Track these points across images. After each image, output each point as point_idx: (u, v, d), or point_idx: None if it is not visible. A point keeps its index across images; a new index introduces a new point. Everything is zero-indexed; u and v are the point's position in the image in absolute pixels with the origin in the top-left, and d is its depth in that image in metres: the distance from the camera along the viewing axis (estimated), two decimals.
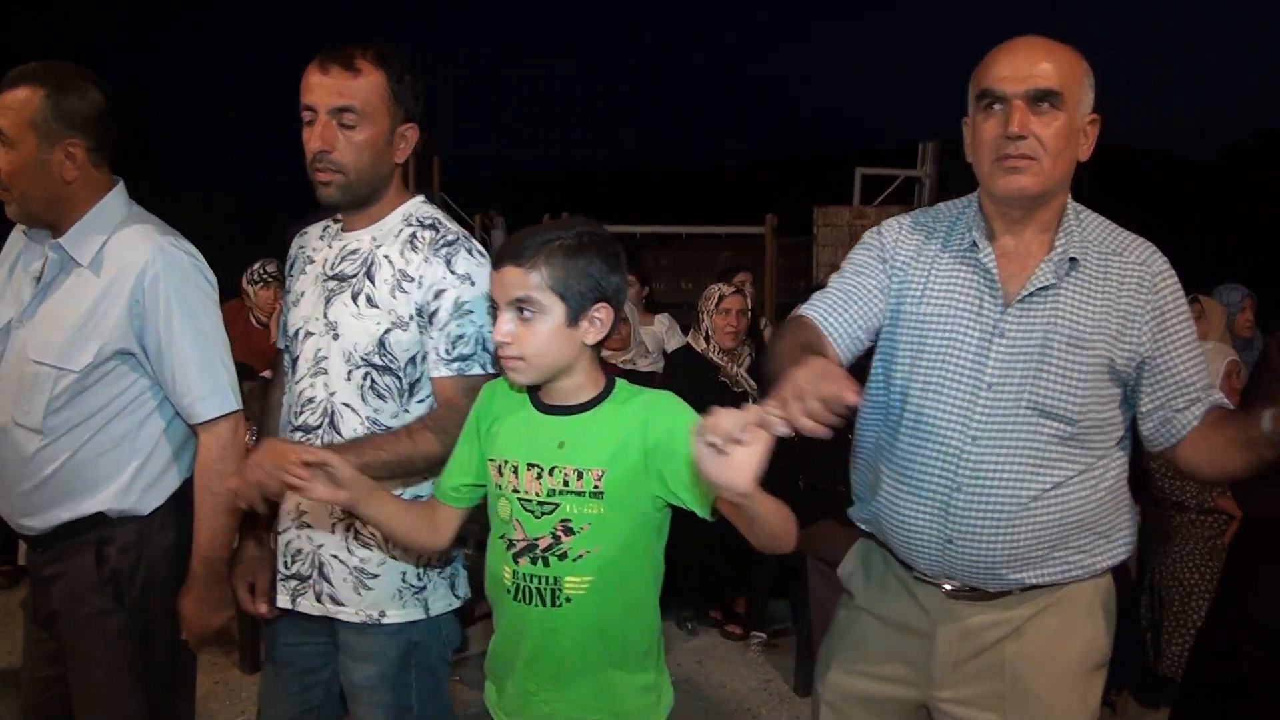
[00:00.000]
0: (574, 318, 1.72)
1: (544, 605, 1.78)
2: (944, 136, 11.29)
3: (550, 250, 1.71)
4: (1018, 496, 1.80)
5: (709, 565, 4.43)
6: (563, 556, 1.76)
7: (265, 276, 5.22)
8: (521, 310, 1.72)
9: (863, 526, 2.02)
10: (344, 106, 1.96)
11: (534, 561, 1.77)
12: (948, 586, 1.90)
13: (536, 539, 1.77)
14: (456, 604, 2.16)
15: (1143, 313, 1.81)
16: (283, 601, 2.12)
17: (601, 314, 1.74)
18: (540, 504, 1.75)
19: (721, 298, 4.82)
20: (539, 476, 1.75)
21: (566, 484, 1.72)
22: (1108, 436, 1.86)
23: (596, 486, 1.73)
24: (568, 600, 1.76)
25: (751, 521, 1.55)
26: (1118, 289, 1.82)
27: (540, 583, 1.77)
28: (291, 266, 2.23)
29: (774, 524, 1.56)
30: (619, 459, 1.73)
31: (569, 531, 1.75)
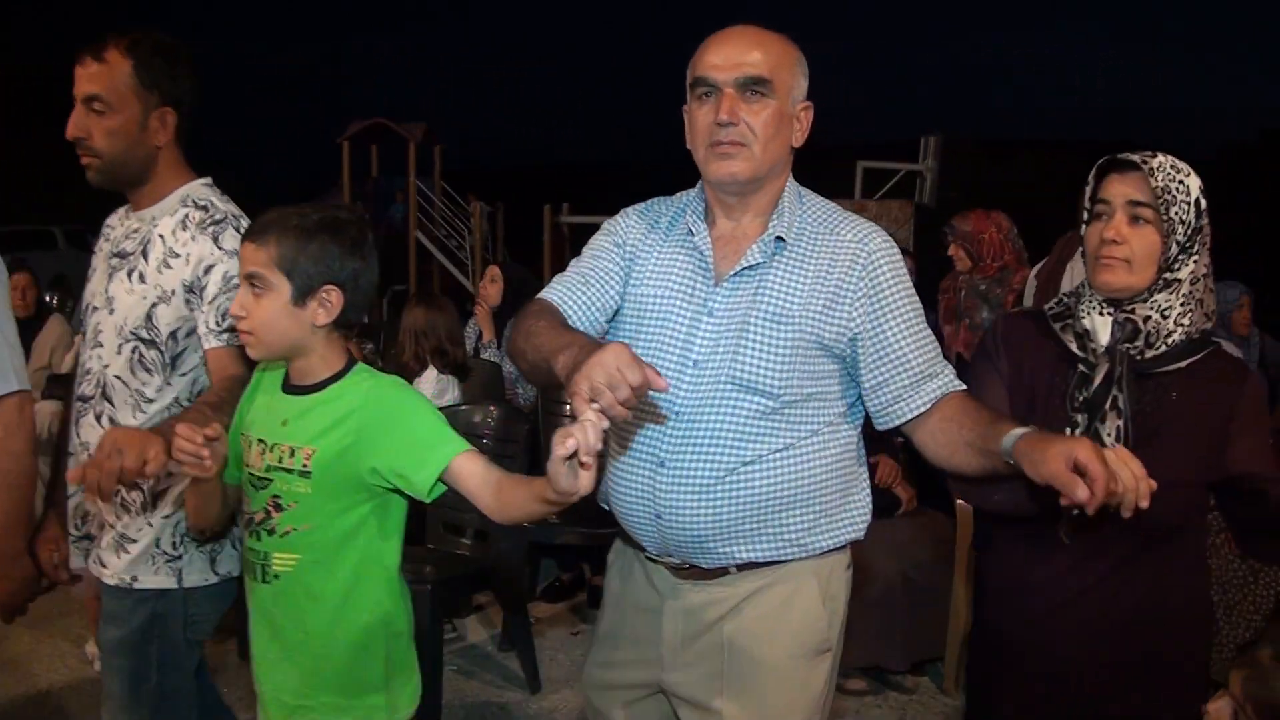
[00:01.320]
0: (300, 297, 1.77)
1: (258, 580, 1.85)
2: (945, 130, 11.28)
3: (284, 230, 1.77)
4: (716, 469, 1.81)
5: None
6: (271, 532, 1.82)
7: None
8: (253, 285, 1.77)
9: (603, 506, 2.04)
10: (92, 95, 2.07)
11: (252, 535, 1.85)
12: (671, 564, 1.92)
13: (254, 513, 1.84)
14: (214, 580, 2.19)
15: (855, 290, 1.81)
16: (76, 563, 2.20)
17: (331, 296, 1.78)
18: (258, 478, 1.81)
19: None
20: (262, 452, 1.81)
21: (280, 460, 1.77)
22: (819, 412, 1.86)
23: (305, 465, 1.78)
24: (276, 576, 1.83)
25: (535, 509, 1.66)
26: (828, 267, 1.82)
27: (256, 556, 1.85)
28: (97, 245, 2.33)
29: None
30: (330, 439, 1.78)
31: (278, 507, 1.80)
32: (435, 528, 3.90)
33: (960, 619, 3.61)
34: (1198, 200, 1.74)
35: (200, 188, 2.22)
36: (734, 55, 1.80)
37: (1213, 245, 1.81)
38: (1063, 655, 1.80)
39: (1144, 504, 1.44)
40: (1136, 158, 1.73)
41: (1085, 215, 1.81)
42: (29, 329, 5.49)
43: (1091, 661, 1.79)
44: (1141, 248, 1.73)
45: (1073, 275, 3.64)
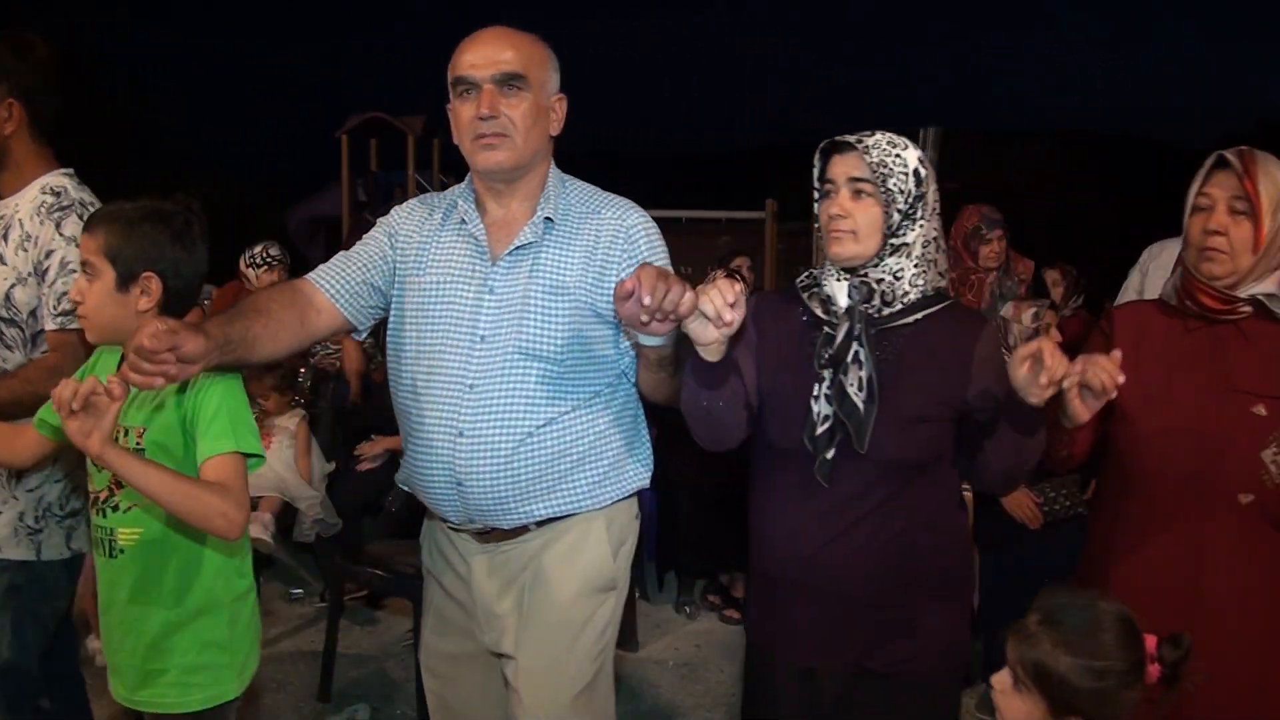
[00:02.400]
0: (123, 284, 1.90)
1: (105, 555, 1.95)
2: (945, 123, 11.27)
3: (112, 219, 1.90)
4: (513, 435, 1.98)
5: (705, 539, 4.47)
6: (115, 508, 1.92)
7: (268, 259, 5.23)
8: (86, 271, 1.90)
9: (404, 488, 2.18)
10: None
11: (99, 513, 1.94)
12: (473, 530, 2.08)
13: (98, 491, 1.94)
14: (68, 555, 2.34)
15: (619, 261, 2.03)
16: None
17: (152, 284, 1.90)
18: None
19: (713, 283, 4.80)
20: None
21: (116, 439, 1.83)
22: (600, 374, 2.07)
23: (138, 443, 1.90)
24: (122, 551, 1.93)
25: None
26: (594, 242, 2.03)
27: (102, 533, 1.95)
28: None
29: None
30: (157, 418, 1.89)
31: (119, 485, 1.89)
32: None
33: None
34: (916, 170, 1.88)
35: (59, 177, 2.36)
36: (490, 54, 1.97)
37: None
38: (829, 593, 1.89)
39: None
40: (853, 138, 1.87)
41: (815, 194, 1.94)
42: None
43: (856, 598, 1.89)
44: (865, 220, 1.86)
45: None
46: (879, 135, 1.88)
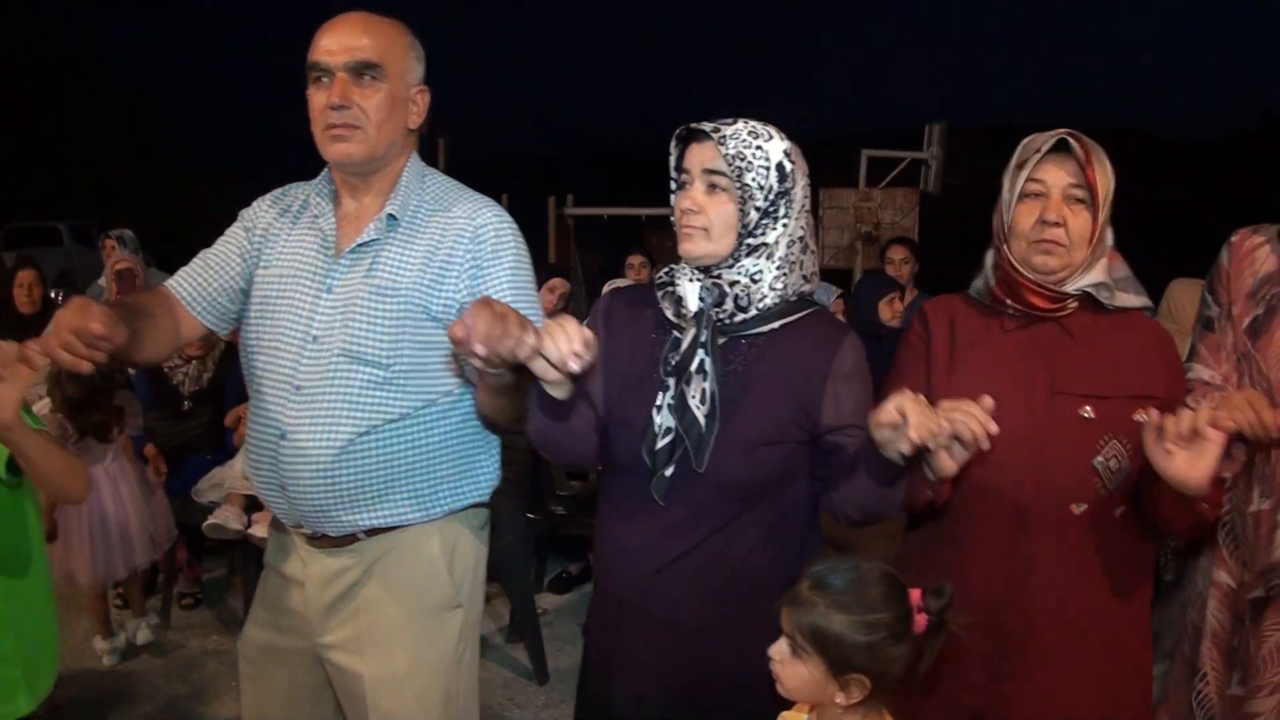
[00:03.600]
0: None
1: None
2: (950, 119, 11.25)
3: None
4: (333, 441, 1.87)
5: None
6: None
7: None
8: None
9: (246, 478, 2.12)
10: None
11: None
12: (304, 534, 1.99)
13: None
14: None
15: (461, 263, 1.91)
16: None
17: None
18: None
19: None
20: None
21: None
22: (435, 382, 1.93)
23: None
24: None
25: None
26: (438, 242, 1.91)
27: None
28: None
29: None
30: None
31: None
32: None
33: None
34: (780, 165, 1.70)
35: None
36: (345, 41, 1.87)
37: (1214, 229, 1.78)
38: (665, 619, 1.76)
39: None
40: (709, 126, 1.70)
41: (673, 185, 1.79)
42: (35, 325, 5.50)
43: (695, 621, 1.76)
44: (718, 216, 1.70)
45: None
46: (740, 124, 1.71)
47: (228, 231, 2.10)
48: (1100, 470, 1.73)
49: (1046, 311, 1.80)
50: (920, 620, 1.48)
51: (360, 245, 1.92)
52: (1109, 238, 1.80)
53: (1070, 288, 1.78)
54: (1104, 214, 1.76)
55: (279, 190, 2.11)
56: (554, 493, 4.39)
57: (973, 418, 1.45)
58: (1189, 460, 1.55)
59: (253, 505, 3.94)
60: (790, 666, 1.51)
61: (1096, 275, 1.78)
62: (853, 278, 8.03)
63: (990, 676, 1.81)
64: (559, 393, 1.60)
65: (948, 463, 1.51)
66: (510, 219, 2.00)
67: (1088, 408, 1.73)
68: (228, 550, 4.72)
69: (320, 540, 1.98)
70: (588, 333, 1.47)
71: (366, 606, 1.97)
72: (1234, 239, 2.14)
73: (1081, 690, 1.80)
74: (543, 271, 5.41)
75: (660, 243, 12.85)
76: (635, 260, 5.88)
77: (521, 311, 1.75)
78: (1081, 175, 1.75)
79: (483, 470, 2.05)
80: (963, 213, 4.14)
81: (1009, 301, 1.82)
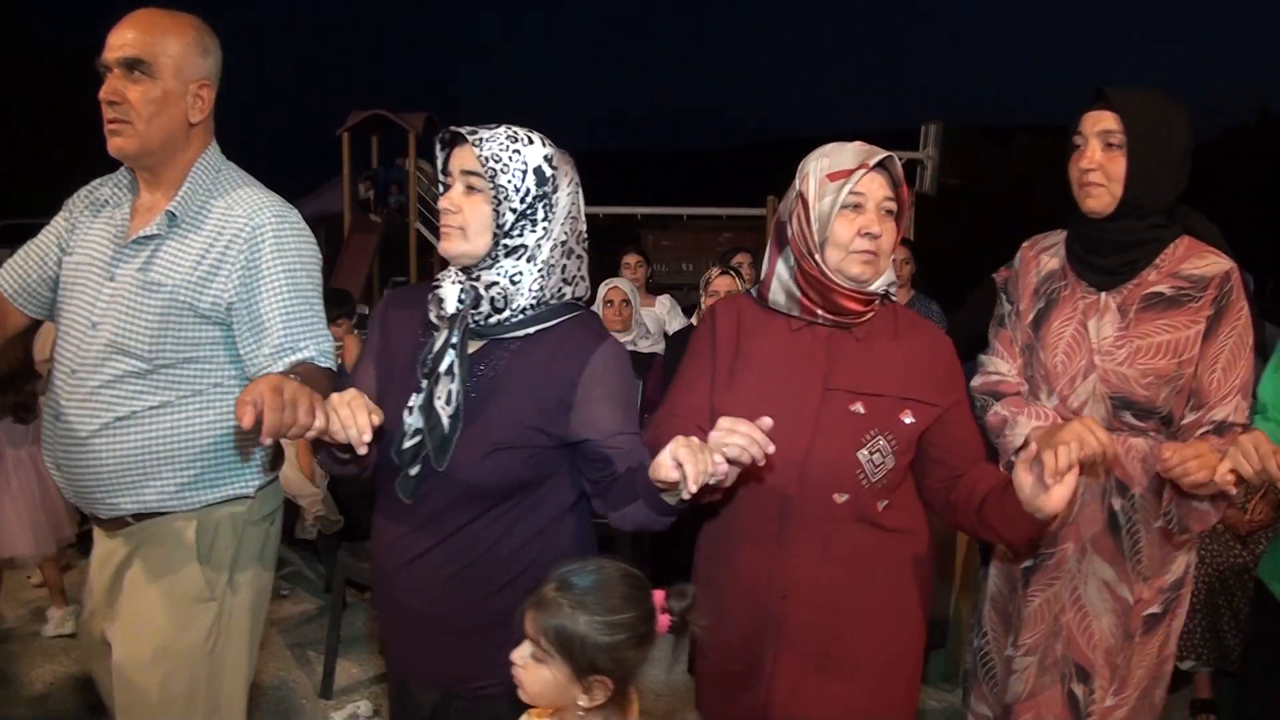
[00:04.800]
0: None
1: None
2: (946, 119, 11.26)
3: None
4: (91, 423, 1.95)
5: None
6: None
7: None
8: None
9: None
10: None
11: None
12: (92, 517, 2.06)
13: None
14: None
15: (234, 263, 1.96)
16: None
17: None
18: None
19: (708, 281, 4.87)
20: None
21: None
22: (203, 375, 1.99)
23: None
24: None
25: None
26: (214, 240, 1.97)
27: None
28: None
29: None
30: None
31: None
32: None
33: (963, 607, 3.62)
34: (538, 169, 1.74)
35: None
36: (120, 37, 1.94)
37: (1217, 228, 1.81)
38: (408, 609, 1.82)
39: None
40: (467, 130, 1.75)
41: (440, 188, 1.83)
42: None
43: (437, 622, 1.80)
44: (474, 216, 1.73)
45: None
46: (502, 129, 1.76)
47: (52, 220, 2.15)
48: (864, 463, 1.80)
49: (857, 315, 1.86)
50: (663, 621, 1.51)
51: (141, 238, 1.98)
52: None
53: (875, 287, 1.87)
54: (904, 221, 1.88)
55: (99, 179, 2.16)
56: None
57: (751, 441, 1.52)
58: (1048, 490, 1.63)
59: None
60: (533, 671, 1.52)
61: (889, 276, 1.88)
62: None
63: (756, 658, 1.87)
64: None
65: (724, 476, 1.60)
66: (295, 219, 2.04)
67: (859, 404, 1.81)
68: None
69: (101, 523, 2.05)
70: (376, 414, 1.52)
71: (128, 590, 2.03)
72: (1026, 243, 2.27)
73: (845, 675, 1.87)
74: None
75: (656, 241, 12.89)
76: (631, 259, 5.86)
77: (296, 319, 1.96)
78: (895, 190, 1.83)
79: (253, 463, 2.08)
80: (959, 213, 4.14)
81: (820, 312, 1.86)
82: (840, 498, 1.82)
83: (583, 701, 1.50)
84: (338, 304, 4.78)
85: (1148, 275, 2.04)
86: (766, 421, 1.54)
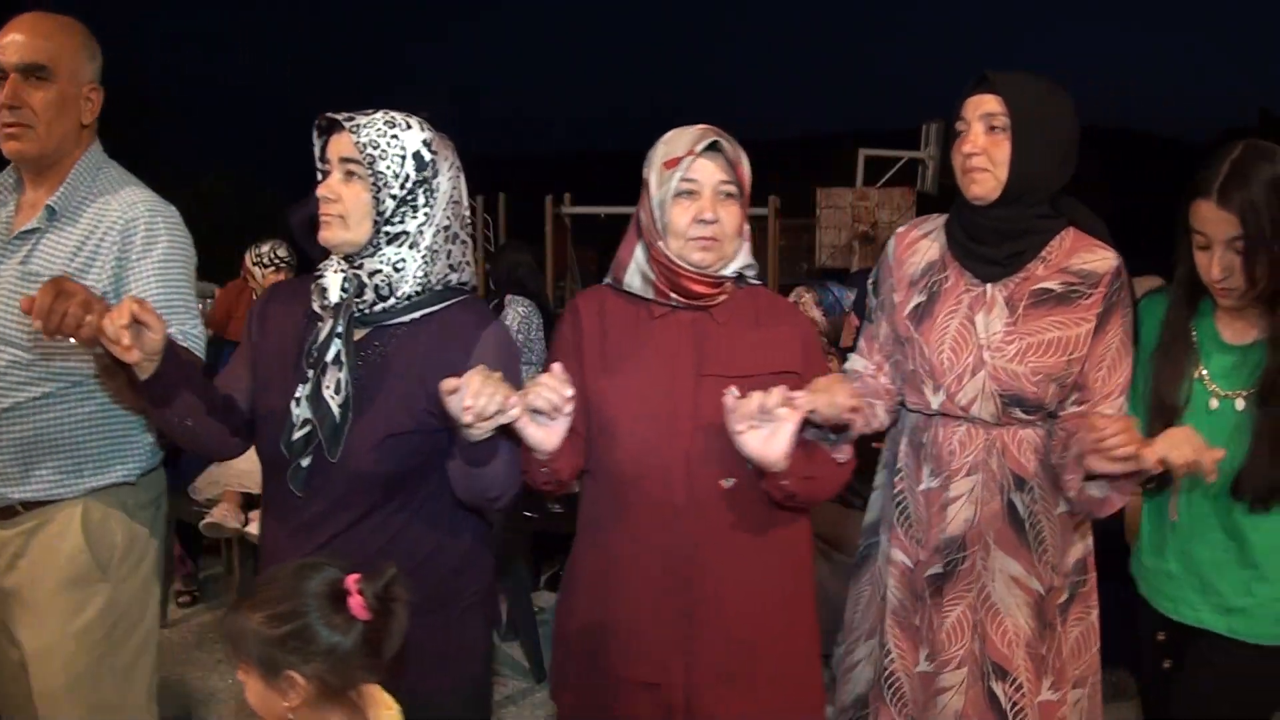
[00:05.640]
0: None
1: None
2: (948, 118, 11.27)
3: None
4: None
5: None
6: None
7: (276, 260, 5.19)
8: None
9: None
10: None
11: None
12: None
13: None
14: None
15: (109, 255, 2.05)
16: None
17: None
18: None
19: None
20: None
21: None
22: (79, 367, 2.05)
23: None
24: None
25: None
26: (90, 233, 2.05)
27: None
28: None
29: None
30: None
31: None
32: None
33: None
34: (417, 154, 1.76)
35: None
36: (16, 42, 1.99)
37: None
38: None
39: None
40: (343, 116, 1.76)
41: (319, 175, 1.82)
42: None
43: None
44: (354, 203, 1.74)
45: None
46: (379, 114, 1.77)
47: None
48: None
49: (706, 298, 1.86)
50: (355, 603, 1.47)
51: (23, 233, 2.05)
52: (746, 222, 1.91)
53: (726, 271, 1.86)
54: (745, 204, 1.86)
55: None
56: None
57: (546, 388, 1.59)
58: (765, 439, 1.69)
59: (249, 503, 3.93)
60: (248, 685, 1.50)
61: (743, 259, 1.88)
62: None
63: (672, 651, 1.85)
64: (143, 371, 1.66)
65: (537, 433, 1.66)
66: (169, 213, 2.12)
67: (734, 388, 1.75)
68: (225, 548, 4.72)
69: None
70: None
71: (24, 579, 2.07)
72: (900, 230, 2.23)
73: (756, 659, 1.87)
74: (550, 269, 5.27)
75: None
76: None
77: (164, 306, 1.99)
78: (732, 172, 1.81)
79: (134, 449, 2.14)
80: None
81: (672, 295, 1.86)
82: (727, 483, 1.83)
83: (285, 704, 1.48)
84: None
85: (1035, 269, 2.00)
86: (557, 368, 1.64)
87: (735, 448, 1.74)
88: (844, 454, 1.91)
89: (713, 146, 1.81)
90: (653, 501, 1.83)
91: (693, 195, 1.81)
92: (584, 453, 1.88)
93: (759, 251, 9.48)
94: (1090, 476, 1.82)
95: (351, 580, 1.49)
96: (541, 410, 1.61)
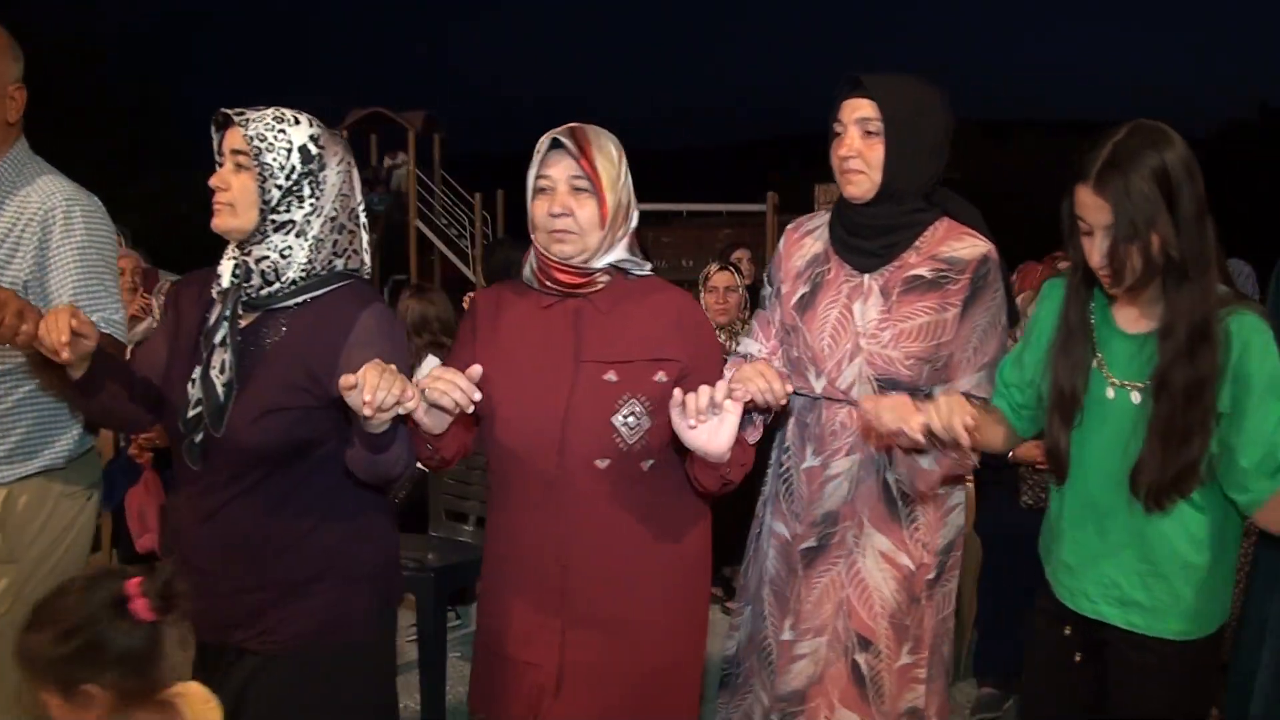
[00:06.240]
0: None
1: None
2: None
3: None
4: None
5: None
6: None
7: None
8: None
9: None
10: None
11: None
12: None
13: None
14: None
15: (30, 244, 2.13)
16: None
17: None
18: None
19: (707, 277, 4.88)
20: None
21: None
22: (3, 357, 2.11)
23: None
24: None
25: None
26: (12, 226, 2.13)
27: None
28: None
29: None
30: None
31: None
32: (438, 515, 3.90)
33: (968, 602, 3.61)
34: (303, 148, 1.85)
35: None
36: None
37: (1216, 222, 1.78)
38: (198, 568, 1.84)
39: None
40: (235, 111, 1.85)
41: (219, 166, 1.91)
42: None
43: (223, 577, 1.86)
44: (240, 193, 1.83)
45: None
46: (269, 110, 1.87)
47: None
48: (619, 427, 1.86)
49: (577, 288, 1.92)
50: (140, 606, 1.48)
51: None
52: (631, 219, 1.96)
53: (597, 263, 1.91)
54: (613, 198, 1.89)
55: None
56: None
57: (453, 385, 1.65)
58: (710, 432, 1.74)
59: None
60: (50, 706, 1.49)
61: (619, 253, 1.92)
62: None
63: (547, 631, 1.90)
64: (75, 370, 1.75)
65: (429, 421, 1.76)
66: (88, 202, 2.21)
67: (611, 373, 1.87)
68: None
69: None
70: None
71: None
72: (790, 226, 2.34)
73: (632, 645, 1.91)
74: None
75: (656, 238, 12.88)
76: None
77: (84, 292, 2.12)
78: (579, 167, 1.87)
79: (61, 436, 2.22)
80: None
81: (547, 283, 1.93)
82: (602, 463, 1.87)
83: (90, 716, 1.47)
84: None
85: (908, 258, 2.10)
86: (475, 369, 1.69)
87: (606, 430, 1.85)
88: (755, 435, 2.00)
89: (556, 144, 1.88)
90: (529, 483, 1.90)
91: (546, 191, 1.89)
92: (473, 434, 1.97)
93: (758, 247, 9.50)
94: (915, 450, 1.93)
95: (132, 585, 1.50)
96: (444, 408, 1.69)
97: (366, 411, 1.58)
